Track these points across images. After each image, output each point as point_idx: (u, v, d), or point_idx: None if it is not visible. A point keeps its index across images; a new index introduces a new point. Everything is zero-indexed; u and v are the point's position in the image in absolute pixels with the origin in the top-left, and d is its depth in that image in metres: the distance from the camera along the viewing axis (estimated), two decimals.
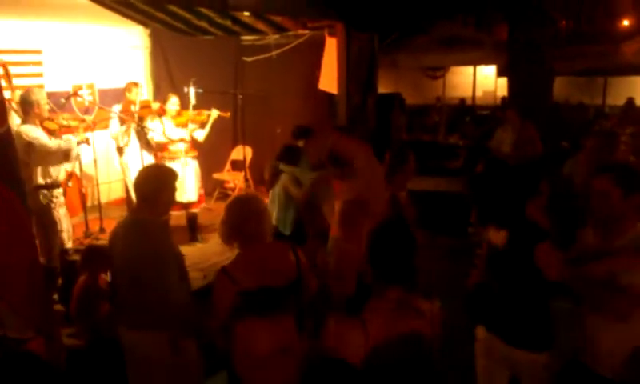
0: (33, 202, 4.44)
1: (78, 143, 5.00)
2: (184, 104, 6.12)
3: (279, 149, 4.85)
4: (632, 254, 2.37)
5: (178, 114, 6.01)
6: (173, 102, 5.99)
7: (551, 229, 2.73)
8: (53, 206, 4.63)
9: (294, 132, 5.55)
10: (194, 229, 6.08)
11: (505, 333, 2.68)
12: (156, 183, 2.89)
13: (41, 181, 4.57)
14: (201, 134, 6.06)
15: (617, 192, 2.43)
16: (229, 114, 6.40)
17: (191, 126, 5.96)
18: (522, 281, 2.57)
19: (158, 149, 6.02)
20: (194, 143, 6.05)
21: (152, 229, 2.82)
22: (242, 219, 2.61)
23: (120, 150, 6.25)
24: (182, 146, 5.94)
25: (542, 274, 2.34)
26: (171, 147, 5.94)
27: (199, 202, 6.15)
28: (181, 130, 5.94)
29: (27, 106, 4.49)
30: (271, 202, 4.68)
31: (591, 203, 2.57)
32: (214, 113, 6.11)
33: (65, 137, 4.86)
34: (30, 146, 4.43)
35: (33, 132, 4.46)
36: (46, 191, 4.60)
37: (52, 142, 4.58)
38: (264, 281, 2.46)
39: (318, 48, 7.32)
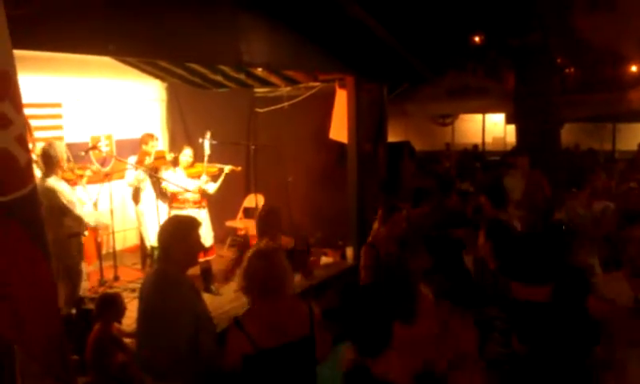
0: (63, 250, 4.63)
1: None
2: (199, 155, 6.29)
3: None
4: None
5: (191, 165, 6.17)
6: (186, 154, 6.16)
7: None
8: (81, 255, 4.80)
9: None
10: (207, 279, 6.12)
11: None
12: (173, 235, 2.91)
13: (76, 229, 4.75)
14: (212, 187, 6.19)
15: None
16: (240, 168, 6.57)
17: (204, 177, 6.11)
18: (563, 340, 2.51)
19: (169, 200, 6.15)
20: (204, 193, 6.19)
21: (168, 282, 2.84)
22: (265, 274, 2.61)
23: (136, 199, 6.39)
24: (191, 197, 6.05)
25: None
26: (180, 197, 6.05)
27: (211, 252, 6.21)
28: (193, 181, 6.09)
29: (49, 160, 4.68)
30: None
31: (628, 252, 2.58)
32: (227, 168, 6.28)
33: (89, 212, 5.09)
34: (64, 207, 4.64)
35: (67, 194, 4.69)
36: (79, 239, 4.79)
37: (83, 214, 4.80)
38: (276, 335, 2.52)
39: (328, 99, 7.50)
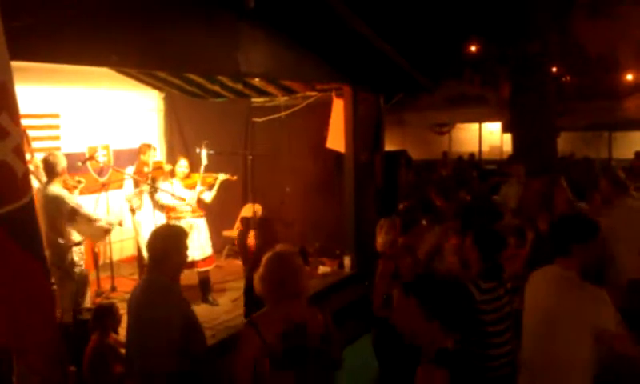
0: (67, 259, 4.66)
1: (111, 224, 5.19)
2: (196, 165, 6.30)
3: None
4: None
5: (187, 175, 6.19)
6: (182, 165, 6.19)
7: None
8: (82, 263, 4.81)
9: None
10: (205, 289, 6.11)
11: None
12: (165, 244, 2.92)
13: (78, 238, 4.79)
14: (208, 196, 6.23)
15: None
16: (235, 177, 6.59)
17: (200, 187, 6.13)
18: None
19: (166, 209, 6.18)
20: (201, 202, 6.19)
21: (162, 291, 2.85)
22: (284, 275, 2.61)
23: (133, 210, 6.39)
24: (189, 207, 6.09)
25: None
26: (178, 207, 6.09)
27: (210, 261, 6.21)
28: (189, 192, 6.11)
29: (51, 168, 4.72)
30: None
31: None
32: (221, 176, 6.31)
33: (105, 218, 5.16)
34: (73, 210, 4.65)
35: (73, 197, 4.73)
36: (82, 248, 4.82)
37: (94, 215, 4.87)
38: (290, 338, 2.52)
39: (325, 108, 7.51)
